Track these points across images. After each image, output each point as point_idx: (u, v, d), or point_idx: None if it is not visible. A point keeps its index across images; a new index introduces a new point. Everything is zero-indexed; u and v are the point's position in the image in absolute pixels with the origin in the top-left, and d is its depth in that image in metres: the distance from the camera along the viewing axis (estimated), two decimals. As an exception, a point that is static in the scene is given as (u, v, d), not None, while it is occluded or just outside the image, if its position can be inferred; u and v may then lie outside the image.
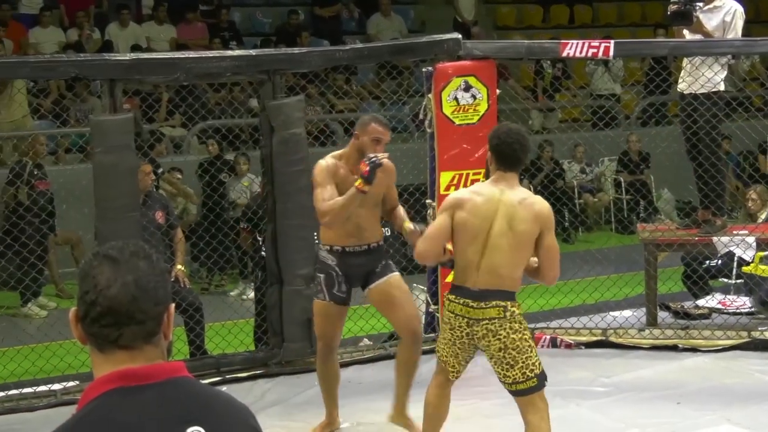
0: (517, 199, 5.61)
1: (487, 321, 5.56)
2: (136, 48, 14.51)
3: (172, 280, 8.52)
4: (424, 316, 8.89)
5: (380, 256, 6.71)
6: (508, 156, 5.65)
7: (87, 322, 2.31)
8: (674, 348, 8.52)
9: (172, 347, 2.40)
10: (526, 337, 5.58)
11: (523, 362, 5.55)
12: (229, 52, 9.52)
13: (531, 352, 5.58)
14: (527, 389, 5.58)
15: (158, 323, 2.33)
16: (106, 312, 2.28)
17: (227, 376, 8.17)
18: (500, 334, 5.54)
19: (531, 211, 5.58)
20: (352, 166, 6.48)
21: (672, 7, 8.77)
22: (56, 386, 8.00)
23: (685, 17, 8.75)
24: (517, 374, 5.56)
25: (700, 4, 8.80)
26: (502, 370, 5.59)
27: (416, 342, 6.68)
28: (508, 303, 5.57)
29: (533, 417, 5.62)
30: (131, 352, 2.30)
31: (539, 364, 5.61)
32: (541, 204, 5.66)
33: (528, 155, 5.86)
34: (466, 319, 5.62)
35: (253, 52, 9.01)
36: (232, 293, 11.80)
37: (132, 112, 8.64)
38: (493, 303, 5.55)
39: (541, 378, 5.61)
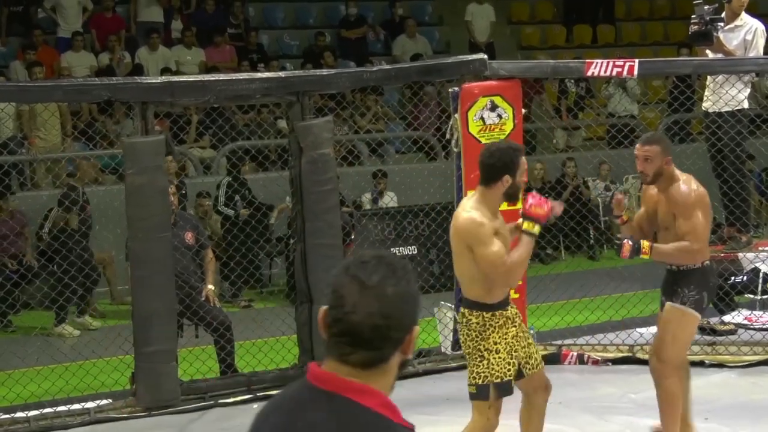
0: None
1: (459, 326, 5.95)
2: (165, 71, 14.67)
3: (202, 299, 8.65)
4: (451, 334, 8.99)
5: None
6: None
7: (329, 332, 2.41)
8: (701, 364, 8.55)
9: (407, 363, 2.47)
10: (479, 347, 5.77)
11: (470, 368, 5.83)
12: (259, 75, 9.65)
13: (479, 361, 5.78)
14: (470, 394, 5.86)
15: (395, 348, 2.41)
16: (346, 333, 2.38)
17: (258, 394, 8.27)
18: (462, 336, 5.88)
19: (454, 227, 5.81)
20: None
21: (693, 27, 8.84)
22: (90, 404, 8.12)
23: (706, 37, 8.83)
24: (468, 376, 5.87)
25: (721, 24, 8.87)
26: None
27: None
28: (466, 311, 5.84)
29: (470, 422, 5.91)
30: (347, 368, 2.40)
31: (486, 377, 5.76)
32: (461, 219, 5.77)
33: (491, 171, 5.75)
34: None
35: (282, 74, 9.15)
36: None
37: (163, 133, 8.77)
38: (461, 309, 5.91)
39: (483, 390, 5.78)
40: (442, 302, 9.30)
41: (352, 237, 10.24)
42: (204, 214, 12.30)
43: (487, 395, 5.79)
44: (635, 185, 15.48)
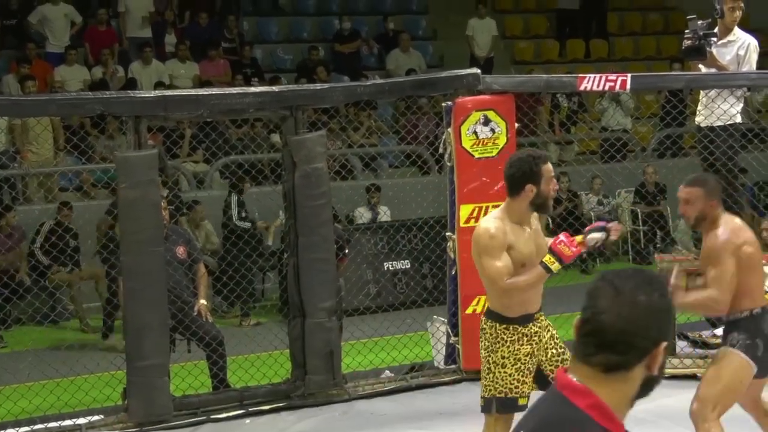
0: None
1: None
2: (159, 85, 14.68)
3: (195, 314, 8.63)
4: (444, 348, 8.98)
5: None
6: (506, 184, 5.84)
7: (577, 333, 2.51)
8: (693, 377, 8.55)
9: (652, 383, 2.51)
10: (488, 358, 5.76)
11: (482, 379, 5.83)
12: (253, 89, 9.65)
13: (486, 374, 5.78)
14: (480, 405, 5.86)
15: (639, 358, 2.46)
16: (593, 333, 2.47)
17: (250, 409, 8.25)
18: (480, 345, 5.85)
19: (473, 235, 5.82)
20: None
21: (686, 42, 8.84)
22: (81, 420, 8.09)
23: (699, 52, 8.83)
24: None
25: (714, 39, 8.88)
26: None
27: None
28: (483, 319, 5.84)
29: None
30: (588, 369, 2.48)
31: (490, 390, 5.76)
32: (478, 227, 5.81)
33: (513, 181, 5.74)
34: None
35: (275, 88, 9.16)
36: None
37: (156, 147, 8.77)
38: (482, 317, 5.89)
39: (488, 403, 5.78)
40: (435, 316, 9.31)
41: (346, 251, 10.22)
42: (197, 227, 12.29)
43: (490, 409, 5.77)
44: (627, 199, 15.53)
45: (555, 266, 5.60)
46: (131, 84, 14.96)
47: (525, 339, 5.76)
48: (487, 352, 5.75)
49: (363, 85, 9.63)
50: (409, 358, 9.45)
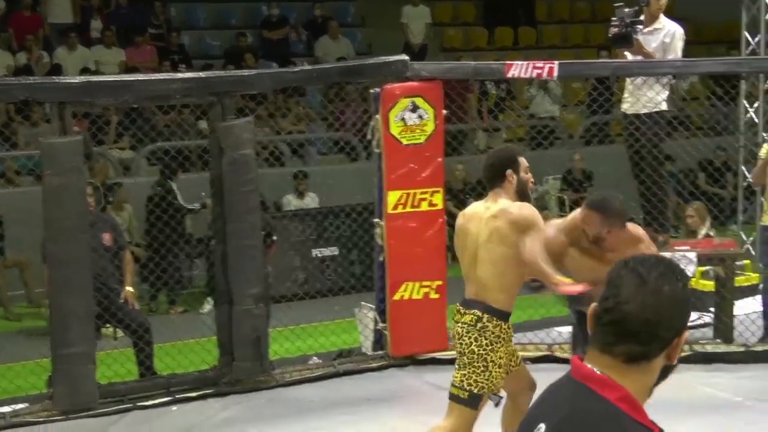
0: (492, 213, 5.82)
1: (460, 324, 5.78)
2: (85, 71, 14.52)
3: (121, 301, 8.56)
4: (372, 334, 9.00)
5: None
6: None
7: (597, 322, 2.44)
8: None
9: (669, 371, 2.47)
10: (486, 356, 5.68)
11: (468, 373, 5.70)
12: (180, 75, 9.59)
13: (482, 371, 5.69)
14: (456, 396, 5.75)
15: (661, 348, 2.41)
16: (616, 323, 2.40)
17: (177, 396, 8.21)
18: (468, 339, 5.71)
19: (509, 220, 5.75)
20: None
21: (613, 30, 8.93)
22: (6, 409, 8.02)
23: (626, 39, 8.92)
24: (458, 377, 5.74)
25: (640, 27, 8.97)
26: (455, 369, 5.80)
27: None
28: (485, 316, 5.73)
29: (444, 422, 5.81)
30: (608, 359, 2.42)
31: (483, 388, 5.70)
32: (519, 210, 5.80)
33: (493, 170, 5.92)
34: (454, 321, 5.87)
35: (202, 74, 9.08)
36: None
37: (81, 134, 8.68)
38: (476, 313, 5.74)
39: (475, 399, 5.71)
40: (363, 303, 9.32)
41: (274, 238, 10.19)
42: (119, 209, 12.16)
43: (477, 405, 5.73)
44: (555, 186, 15.65)
45: (562, 281, 5.71)
46: (56, 70, 14.75)
47: (509, 337, 5.86)
48: (486, 350, 5.69)
49: (291, 71, 9.63)
50: (337, 344, 9.46)
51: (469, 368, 5.70)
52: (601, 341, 2.43)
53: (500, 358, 5.73)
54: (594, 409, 2.38)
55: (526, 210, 5.76)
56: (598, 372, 2.41)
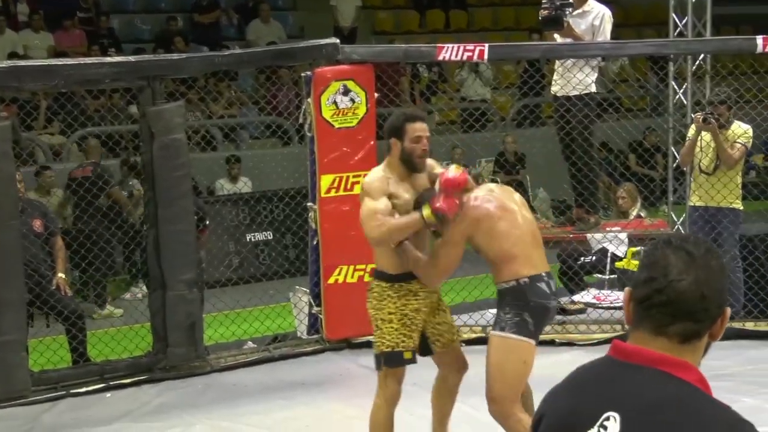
0: None
1: None
2: (13, 56, 14.33)
3: (53, 288, 8.49)
4: (307, 318, 9.00)
5: None
6: None
7: (645, 305, 2.35)
8: (551, 343, 8.73)
9: (708, 349, 2.40)
10: (376, 315, 5.82)
11: (374, 338, 5.87)
12: (108, 59, 9.51)
13: (375, 331, 5.83)
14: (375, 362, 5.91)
15: (710, 325, 2.36)
16: (671, 302, 2.32)
17: (111, 383, 8.16)
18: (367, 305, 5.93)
19: None
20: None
21: (543, 13, 8.99)
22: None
23: (556, 22, 8.98)
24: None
25: (570, 9, 9.04)
26: None
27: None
28: (371, 279, 5.97)
29: (375, 398, 5.92)
30: (662, 341, 2.34)
31: (378, 346, 5.80)
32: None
33: (385, 133, 5.97)
34: None
35: (132, 58, 9.03)
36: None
37: (10, 119, 8.57)
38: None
39: (377, 360, 5.83)
40: (297, 287, 9.32)
41: (207, 223, 10.14)
42: (47, 193, 11.98)
43: (380, 365, 5.81)
44: (487, 168, 15.72)
45: (426, 212, 5.55)
46: (-18, 55, 14.57)
47: (411, 294, 5.80)
48: (375, 310, 5.81)
49: (221, 55, 9.57)
50: (272, 329, 9.46)
51: (374, 333, 5.87)
52: (655, 322, 2.34)
53: (390, 314, 5.76)
54: (682, 393, 2.31)
55: (367, 178, 5.85)
56: (670, 355, 2.34)
